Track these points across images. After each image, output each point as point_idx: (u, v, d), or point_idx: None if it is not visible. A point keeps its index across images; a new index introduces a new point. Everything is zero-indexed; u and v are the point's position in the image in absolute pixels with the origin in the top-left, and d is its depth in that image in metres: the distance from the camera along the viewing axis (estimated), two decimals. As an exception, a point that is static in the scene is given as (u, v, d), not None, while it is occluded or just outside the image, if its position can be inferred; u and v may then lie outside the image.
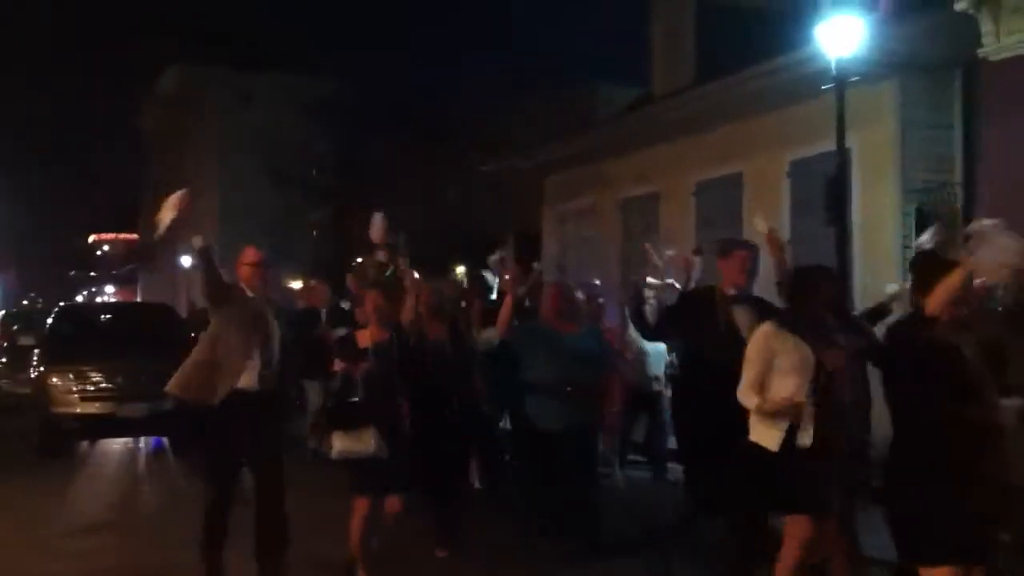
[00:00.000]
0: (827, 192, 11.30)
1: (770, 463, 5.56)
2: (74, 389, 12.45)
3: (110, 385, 12.55)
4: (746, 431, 5.76)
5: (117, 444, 13.78)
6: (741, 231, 14.56)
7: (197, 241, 6.96)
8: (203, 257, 6.95)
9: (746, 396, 5.69)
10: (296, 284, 29.93)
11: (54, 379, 12.50)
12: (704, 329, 6.95)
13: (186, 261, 41.66)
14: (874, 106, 12.26)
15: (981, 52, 11.18)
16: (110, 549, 8.15)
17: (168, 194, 7.28)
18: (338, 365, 6.90)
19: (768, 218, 13.97)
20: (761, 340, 5.71)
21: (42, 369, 12.89)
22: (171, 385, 7.01)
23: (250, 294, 7.06)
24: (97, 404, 12.45)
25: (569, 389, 7.51)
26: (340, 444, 6.79)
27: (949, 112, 12.29)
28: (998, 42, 10.99)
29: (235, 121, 40.57)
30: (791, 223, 13.73)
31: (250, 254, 7.27)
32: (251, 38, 42.53)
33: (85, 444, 13.66)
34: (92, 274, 69.35)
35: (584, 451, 7.91)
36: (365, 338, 6.97)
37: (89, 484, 11.29)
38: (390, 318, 7.14)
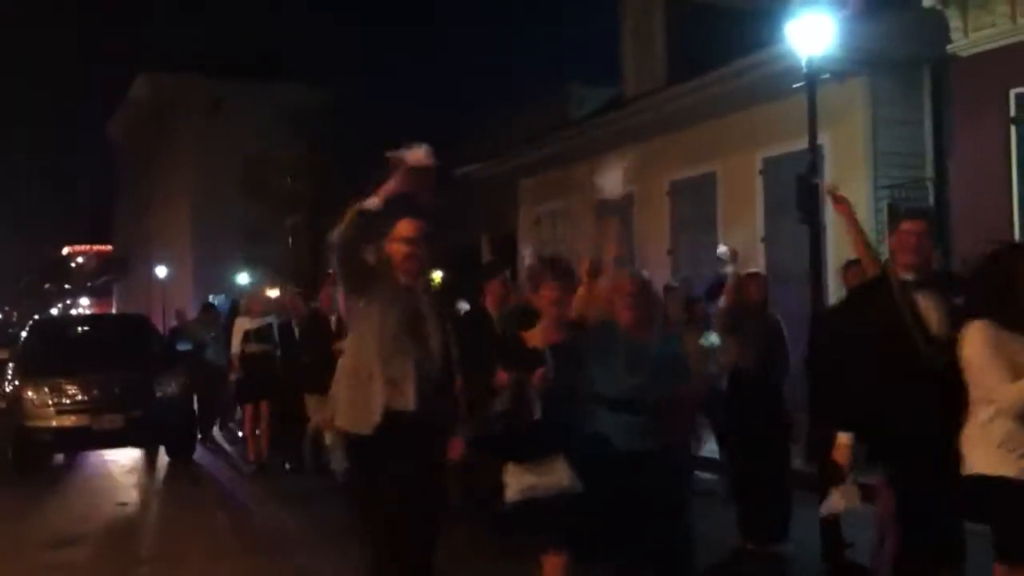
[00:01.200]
0: (799, 190, 11.35)
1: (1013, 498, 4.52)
2: (49, 402, 12.33)
3: (85, 398, 12.44)
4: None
5: (92, 457, 13.68)
6: (716, 230, 14.64)
7: (373, 201, 5.27)
8: (359, 219, 5.20)
9: (1005, 393, 4.52)
10: (273, 292, 29.87)
11: (29, 393, 12.39)
12: (882, 327, 5.59)
13: (161, 272, 41.58)
14: (845, 103, 12.33)
15: (950, 48, 11.28)
16: (81, 563, 8.07)
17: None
18: (505, 375, 5.27)
19: (742, 217, 14.17)
20: (986, 337, 4.64)
21: (17, 383, 12.78)
22: (339, 420, 5.33)
23: (402, 281, 5.28)
24: (73, 417, 12.34)
25: (658, 403, 6.04)
26: (521, 480, 5.13)
27: (919, 108, 12.38)
28: (966, 38, 11.09)
29: (207, 128, 40.41)
30: (765, 221, 13.80)
31: (405, 227, 5.45)
32: (222, 45, 42.39)
33: (60, 457, 13.56)
34: (67, 286, 68.89)
35: (674, 474, 6.12)
36: (535, 338, 5.44)
37: (63, 498, 11.18)
38: (565, 315, 5.60)
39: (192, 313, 21.04)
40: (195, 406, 14.28)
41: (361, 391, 5.07)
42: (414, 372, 5.07)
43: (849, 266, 7.29)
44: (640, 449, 5.48)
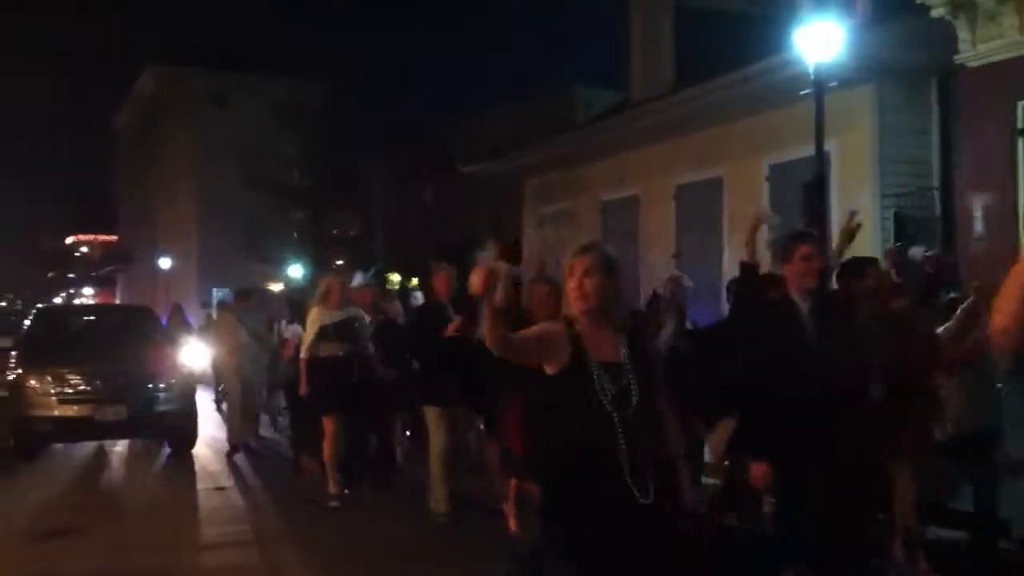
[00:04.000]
0: (805, 196, 11.38)
1: None
2: (51, 392, 12.34)
3: (88, 388, 12.46)
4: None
5: (93, 447, 13.70)
6: (721, 234, 14.67)
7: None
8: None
9: None
10: (276, 286, 29.95)
11: (31, 381, 12.41)
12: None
13: (165, 263, 41.60)
14: (852, 111, 12.34)
15: (958, 59, 11.29)
16: (73, 553, 8.08)
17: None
18: None
19: (747, 222, 14.16)
20: None
21: (19, 371, 12.80)
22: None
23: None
24: (75, 407, 12.35)
25: None
26: None
27: (926, 117, 12.40)
28: (974, 49, 11.09)
29: (211, 122, 40.43)
30: (770, 227, 13.79)
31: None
32: (226, 39, 42.44)
33: (61, 447, 13.58)
34: (71, 275, 68.93)
35: None
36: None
37: (60, 488, 11.21)
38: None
39: (190, 308, 21.05)
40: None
41: None
42: None
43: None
44: None
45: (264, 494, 10.57)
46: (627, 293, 4.79)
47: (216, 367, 15.80)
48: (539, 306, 5.87)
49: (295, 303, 15.78)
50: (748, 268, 6.01)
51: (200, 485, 11.25)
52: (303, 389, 9.63)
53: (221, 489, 10.84)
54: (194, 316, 24.03)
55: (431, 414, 8.64)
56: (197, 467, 12.41)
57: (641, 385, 3.88)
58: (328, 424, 9.44)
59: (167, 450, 13.33)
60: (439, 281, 9.03)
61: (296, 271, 31.40)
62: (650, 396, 3.93)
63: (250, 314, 13.96)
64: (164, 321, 18.09)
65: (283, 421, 14.68)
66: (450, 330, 8.28)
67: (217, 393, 17.51)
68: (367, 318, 10.02)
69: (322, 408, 9.50)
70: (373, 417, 10.08)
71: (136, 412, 12.38)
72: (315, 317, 9.58)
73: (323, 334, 9.49)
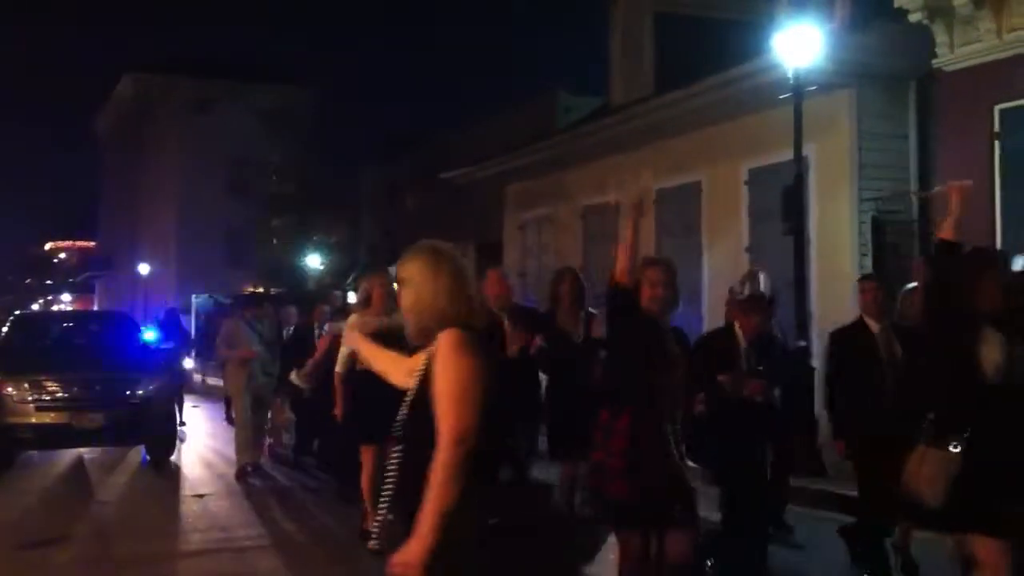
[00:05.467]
0: (784, 201, 11.41)
1: None
2: (29, 399, 12.26)
3: (66, 395, 12.38)
4: None
5: (72, 454, 13.60)
6: (700, 239, 14.69)
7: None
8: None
9: None
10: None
11: (9, 389, 12.32)
12: None
13: (144, 269, 41.40)
14: (831, 115, 12.38)
15: (936, 63, 11.34)
16: (59, 563, 8.02)
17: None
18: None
19: (727, 227, 14.21)
20: None
21: (-4, 379, 12.72)
22: None
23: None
24: (52, 414, 12.28)
25: None
26: None
27: (905, 122, 12.45)
28: (952, 53, 11.15)
29: (192, 128, 40.34)
30: (750, 231, 13.84)
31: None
32: (208, 45, 42.33)
33: (38, 455, 13.47)
34: (48, 282, 68.58)
35: None
36: None
37: (41, 496, 11.12)
38: None
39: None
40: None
41: None
42: None
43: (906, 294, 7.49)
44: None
45: (244, 500, 10.51)
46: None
47: (225, 379, 13.92)
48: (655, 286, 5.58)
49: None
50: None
51: (182, 492, 11.19)
52: (338, 410, 8.41)
53: (200, 496, 10.77)
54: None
55: None
56: (175, 473, 12.34)
57: None
58: (367, 455, 8.04)
59: (146, 457, 13.24)
60: (493, 285, 7.84)
61: (315, 260, 30.37)
62: None
63: (262, 321, 12.83)
64: (162, 326, 17.92)
65: (288, 437, 13.78)
66: (515, 348, 7.34)
67: (228, 407, 16.40)
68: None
69: (362, 436, 8.08)
70: None
71: (114, 419, 12.30)
72: (354, 324, 7.92)
73: None
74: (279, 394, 12.91)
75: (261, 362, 12.26)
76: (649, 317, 5.41)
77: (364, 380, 7.52)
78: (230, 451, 12.62)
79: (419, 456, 3.26)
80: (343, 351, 8.20)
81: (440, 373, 3.30)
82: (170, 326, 18.63)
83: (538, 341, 7.34)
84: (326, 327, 11.87)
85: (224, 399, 17.03)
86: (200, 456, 13.96)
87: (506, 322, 7.31)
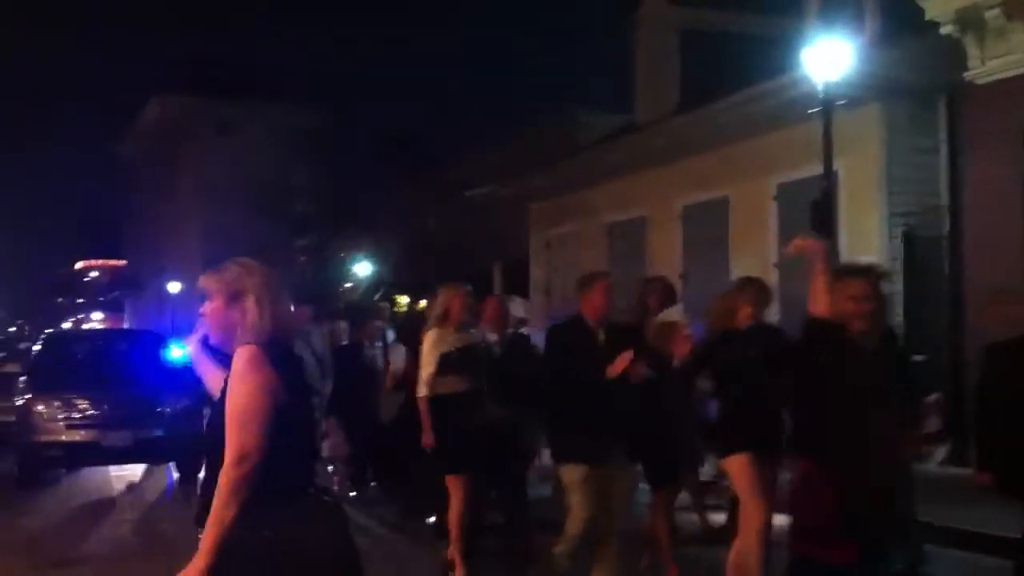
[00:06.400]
0: (814, 216, 11.33)
1: None
2: (59, 417, 12.33)
3: (96, 413, 12.43)
4: None
5: (99, 472, 13.61)
6: (728, 255, 14.61)
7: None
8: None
9: None
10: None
11: (39, 407, 12.40)
12: None
13: (173, 288, 41.63)
14: (860, 130, 12.30)
15: (966, 76, 11.25)
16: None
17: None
18: None
19: (755, 243, 14.12)
20: None
21: (28, 396, 12.77)
22: None
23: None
24: (82, 432, 12.33)
25: None
26: None
27: (935, 136, 12.34)
28: (983, 66, 11.06)
29: (217, 150, 40.61)
30: (778, 247, 13.75)
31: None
32: (232, 68, 42.63)
33: (66, 473, 13.51)
34: (79, 301, 69.09)
35: None
36: None
37: (66, 514, 11.12)
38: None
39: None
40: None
41: None
42: None
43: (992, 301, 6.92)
44: None
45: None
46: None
47: None
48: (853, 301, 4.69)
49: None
50: None
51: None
52: (426, 438, 7.41)
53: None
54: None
55: (573, 475, 6.25)
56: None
57: None
58: (456, 485, 7.36)
59: (175, 475, 13.25)
60: (598, 295, 6.39)
61: (363, 268, 28.38)
62: None
63: (316, 333, 12.12)
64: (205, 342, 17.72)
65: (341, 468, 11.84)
66: (622, 366, 6.10)
67: None
68: (494, 338, 7.94)
69: (449, 465, 7.41)
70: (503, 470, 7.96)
71: (142, 437, 12.33)
72: (433, 342, 7.38)
73: (446, 363, 7.32)
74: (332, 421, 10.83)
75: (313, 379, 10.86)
76: (851, 345, 4.55)
77: (446, 405, 7.29)
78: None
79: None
80: (425, 373, 7.40)
81: (230, 391, 3.27)
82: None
83: (641, 368, 6.23)
84: (379, 345, 11.23)
85: None
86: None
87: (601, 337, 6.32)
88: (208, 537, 3.17)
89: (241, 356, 3.29)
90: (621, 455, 6.37)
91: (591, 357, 6.21)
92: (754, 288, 6.58)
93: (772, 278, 13.38)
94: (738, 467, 6.12)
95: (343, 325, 12.80)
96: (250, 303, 3.43)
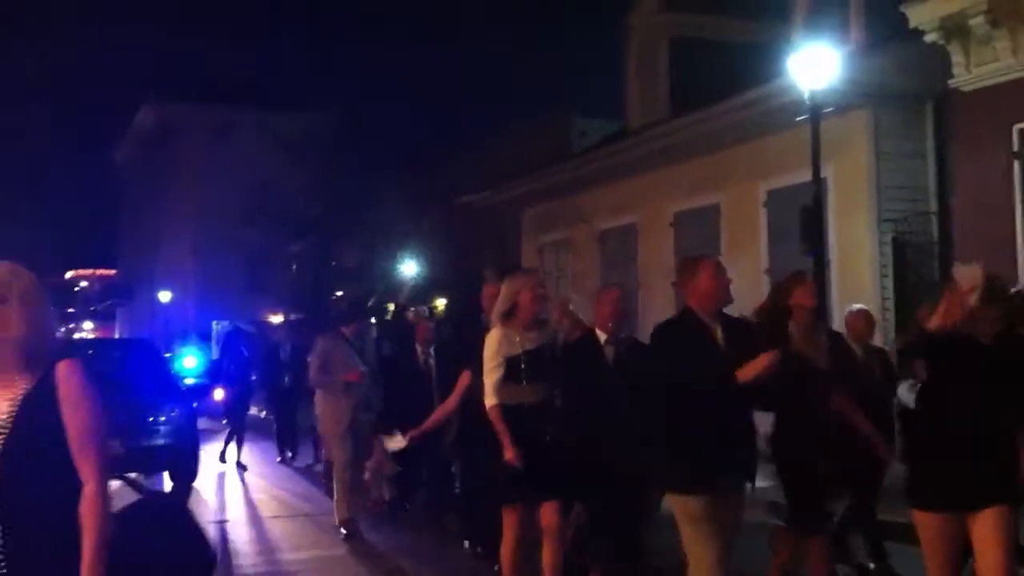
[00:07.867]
0: (803, 222, 11.39)
1: None
2: (51, 427, 12.34)
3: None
4: None
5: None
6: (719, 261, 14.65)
7: None
8: None
9: None
10: (276, 318, 29.74)
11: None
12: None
13: (164, 296, 41.60)
14: (848, 136, 12.38)
15: (952, 83, 11.31)
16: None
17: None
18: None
19: (746, 249, 14.19)
20: None
21: (19, 407, 12.76)
22: None
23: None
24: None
25: None
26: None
27: (922, 142, 12.44)
28: (968, 73, 11.12)
29: (211, 155, 40.56)
30: (769, 253, 13.83)
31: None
32: (227, 72, 42.61)
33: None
34: (70, 310, 68.91)
35: None
36: None
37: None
38: None
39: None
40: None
41: None
42: None
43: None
44: None
45: (270, 525, 10.51)
46: None
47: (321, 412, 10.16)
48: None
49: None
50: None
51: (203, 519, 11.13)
52: (509, 452, 5.88)
53: (222, 523, 10.77)
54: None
55: (692, 508, 5.20)
56: (197, 500, 12.34)
57: None
58: (509, 519, 6.14)
59: (168, 484, 13.24)
60: (705, 279, 5.44)
61: (411, 268, 26.08)
62: None
63: (363, 339, 10.55)
64: (224, 348, 17.03)
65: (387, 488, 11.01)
66: (763, 367, 5.06)
67: (319, 457, 13.64)
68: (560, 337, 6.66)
69: (505, 494, 6.15)
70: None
71: (134, 446, 12.32)
72: (496, 342, 6.08)
73: (512, 369, 6.03)
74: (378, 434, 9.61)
75: (360, 391, 9.83)
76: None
77: (509, 417, 5.98)
78: (282, 492, 12.68)
79: (32, 500, 3.11)
80: (491, 379, 6.06)
81: (77, 406, 3.17)
82: (232, 348, 16.86)
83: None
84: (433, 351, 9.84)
85: (311, 437, 13.99)
86: (216, 480, 13.95)
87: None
88: (92, 552, 3.14)
89: (74, 371, 3.20)
90: (741, 477, 5.38)
91: (713, 359, 5.17)
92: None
93: (764, 284, 13.47)
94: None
95: (429, 324, 11.28)
96: (47, 312, 3.32)
